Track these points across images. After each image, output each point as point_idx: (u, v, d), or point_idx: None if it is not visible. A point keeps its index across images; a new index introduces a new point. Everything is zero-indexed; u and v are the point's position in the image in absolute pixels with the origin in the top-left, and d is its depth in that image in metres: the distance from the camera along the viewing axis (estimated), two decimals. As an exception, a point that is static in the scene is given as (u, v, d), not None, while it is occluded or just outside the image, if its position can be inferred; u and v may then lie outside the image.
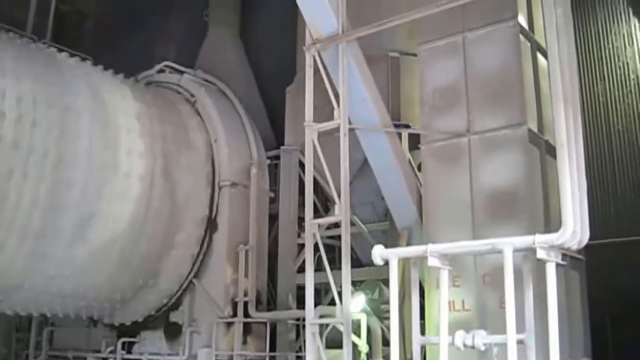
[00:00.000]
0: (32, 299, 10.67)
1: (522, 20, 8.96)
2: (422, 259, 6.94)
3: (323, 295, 12.03)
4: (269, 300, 12.48)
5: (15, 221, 9.57)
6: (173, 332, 12.00)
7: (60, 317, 11.64)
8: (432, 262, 6.79)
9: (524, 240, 6.42)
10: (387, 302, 8.43)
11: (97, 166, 10.37)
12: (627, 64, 12.98)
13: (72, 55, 11.36)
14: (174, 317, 12.06)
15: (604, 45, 13.38)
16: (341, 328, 8.73)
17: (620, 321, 11.43)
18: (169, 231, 11.60)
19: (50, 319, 12.92)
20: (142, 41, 16.87)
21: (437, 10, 8.51)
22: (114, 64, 12.09)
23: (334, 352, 9.52)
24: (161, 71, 13.62)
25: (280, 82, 13.51)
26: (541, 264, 6.43)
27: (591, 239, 6.77)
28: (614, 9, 13.37)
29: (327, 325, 9.86)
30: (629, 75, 12.93)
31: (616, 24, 13.30)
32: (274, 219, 12.76)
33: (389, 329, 8.67)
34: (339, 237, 8.93)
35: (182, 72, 13.51)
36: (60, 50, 11.30)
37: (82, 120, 10.27)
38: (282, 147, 12.87)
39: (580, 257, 8.86)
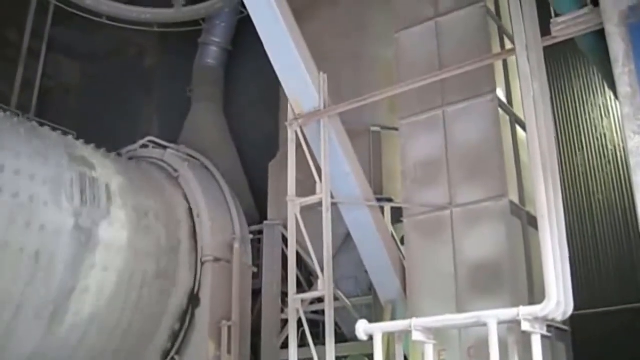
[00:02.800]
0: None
1: (501, 93, 9.12)
2: (406, 332, 6.89)
3: (307, 371, 11.86)
4: (253, 377, 12.29)
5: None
6: (155, 411, 11.74)
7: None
8: (416, 336, 6.76)
9: (507, 313, 6.41)
10: (373, 377, 8.33)
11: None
12: (604, 135, 13.19)
13: (56, 130, 11.40)
14: (156, 396, 11.82)
15: (581, 116, 13.62)
16: (326, 405, 8.59)
17: (608, 392, 11.32)
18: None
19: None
20: (126, 116, 17.00)
21: (416, 85, 8.71)
22: (97, 139, 12.14)
23: None
24: (144, 146, 13.67)
25: (263, 157, 13.58)
26: (526, 336, 6.41)
27: (576, 309, 6.76)
28: (589, 80, 13.65)
29: (312, 402, 9.69)
30: (606, 146, 13.12)
31: (592, 96, 13.56)
32: (256, 293, 12.65)
33: (375, 405, 8.53)
34: (323, 312, 8.86)
35: (165, 147, 13.58)
36: (43, 125, 11.34)
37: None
38: (265, 222, 12.84)
39: (565, 327, 8.81)
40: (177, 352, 11.75)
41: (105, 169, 11.28)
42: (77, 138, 11.80)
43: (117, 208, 10.99)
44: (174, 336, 11.79)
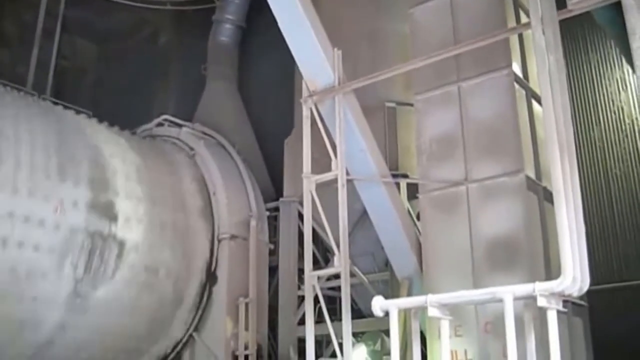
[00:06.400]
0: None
1: (517, 68, 9.06)
2: (422, 309, 6.91)
3: (324, 347, 11.92)
4: (270, 353, 12.37)
5: None
6: (173, 387, 11.88)
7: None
8: (432, 312, 6.79)
9: (524, 288, 6.41)
10: (389, 353, 8.36)
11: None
12: (622, 109, 13.06)
13: (66, 108, 11.47)
14: (174, 372, 11.95)
15: (598, 90, 13.48)
16: (343, 380, 8.64)
17: (625, 367, 11.30)
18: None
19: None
20: (141, 95, 17.03)
21: (431, 60, 8.64)
22: (113, 118, 12.19)
23: (337, 405, 9.40)
24: (160, 124, 13.72)
25: (278, 134, 13.58)
26: (542, 311, 6.41)
27: (592, 284, 6.74)
28: (606, 54, 13.50)
29: (329, 378, 9.78)
30: (623, 120, 12.99)
31: (609, 69, 13.41)
32: (273, 270, 12.72)
33: (391, 380, 8.59)
34: (339, 288, 8.89)
35: (180, 125, 13.61)
36: (56, 104, 11.40)
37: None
38: (281, 199, 12.89)
39: (582, 303, 8.80)
40: (196, 329, 11.85)
41: (118, 147, 11.33)
42: (93, 117, 11.86)
43: (133, 184, 11.05)
44: (195, 309, 11.89)
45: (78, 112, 11.63)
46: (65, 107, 11.55)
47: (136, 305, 11.02)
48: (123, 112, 15.10)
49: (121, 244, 10.62)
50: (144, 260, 10.98)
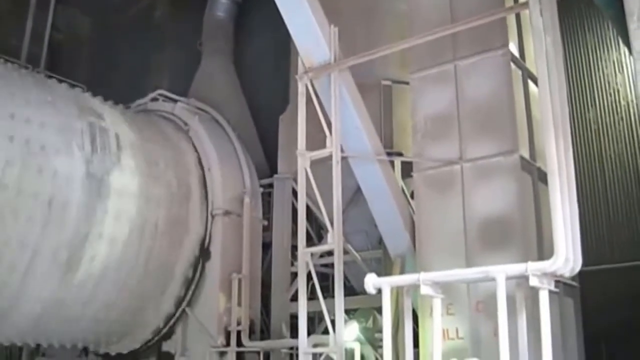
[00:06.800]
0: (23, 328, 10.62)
1: (513, 47, 9.03)
2: (415, 287, 6.94)
3: (316, 323, 11.97)
4: (262, 329, 12.42)
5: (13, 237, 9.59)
6: (165, 362, 11.93)
7: (52, 347, 11.57)
8: (425, 290, 6.82)
9: (516, 268, 6.44)
10: (381, 330, 8.41)
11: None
12: (618, 91, 13.05)
13: (60, 81, 11.40)
14: (166, 347, 11.98)
15: (595, 72, 13.46)
16: (334, 357, 8.68)
17: (615, 347, 11.38)
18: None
19: (41, 348, 12.83)
20: (136, 69, 16.95)
21: (427, 39, 8.61)
22: (107, 92, 12.13)
23: (328, 381, 9.47)
24: (154, 99, 13.66)
25: (273, 110, 13.54)
26: (534, 291, 6.45)
27: (585, 265, 6.78)
28: (603, 35, 13.46)
29: (321, 354, 9.80)
30: (619, 102, 12.98)
31: (606, 51, 13.39)
32: (267, 247, 12.74)
33: (382, 357, 8.63)
34: (332, 265, 8.91)
35: (175, 100, 13.55)
36: (50, 77, 11.34)
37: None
38: (275, 175, 12.89)
39: (574, 283, 8.85)
40: (189, 304, 11.89)
41: (114, 119, 11.29)
42: (87, 91, 11.79)
43: (127, 157, 11.03)
44: (187, 283, 11.92)
45: (72, 87, 11.56)
46: (60, 81, 11.48)
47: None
48: (118, 86, 15.05)
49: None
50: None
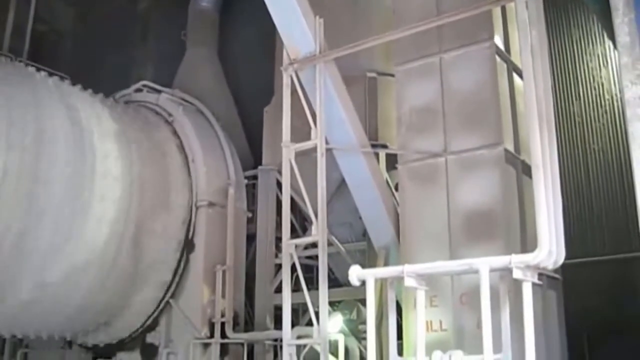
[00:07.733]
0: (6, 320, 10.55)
1: (498, 40, 9.04)
2: (399, 279, 6.94)
3: (300, 315, 11.96)
4: (246, 320, 12.41)
5: None
6: (149, 353, 11.86)
7: (34, 339, 11.50)
8: (409, 282, 6.81)
9: (500, 260, 6.45)
10: (365, 322, 8.41)
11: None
12: (602, 85, 13.12)
13: (50, 75, 11.28)
14: (150, 338, 11.94)
15: (579, 66, 13.52)
16: (318, 348, 8.69)
17: (597, 340, 11.46)
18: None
19: (24, 340, 12.76)
20: (120, 60, 16.85)
21: (412, 31, 8.59)
22: (91, 83, 12.03)
23: (312, 373, 9.48)
24: (138, 90, 13.57)
25: (258, 102, 13.49)
26: (518, 284, 6.46)
27: (568, 258, 6.81)
28: (588, 29, 13.52)
29: (305, 346, 9.81)
30: (603, 96, 13.05)
31: (591, 45, 13.45)
32: (251, 238, 12.72)
33: (366, 349, 8.64)
34: (317, 257, 8.90)
35: (159, 91, 13.48)
36: (37, 70, 11.22)
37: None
38: (260, 167, 12.85)
39: (557, 276, 8.89)
40: (172, 296, 11.85)
41: (95, 111, 11.21)
42: (72, 83, 11.69)
43: (108, 142, 11.00)
44: (173, 271, 11.88)
45: (51, 75, 11.45)
46: (38, 70, 11.36)
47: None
48: (102, 77, 14.95)
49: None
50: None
